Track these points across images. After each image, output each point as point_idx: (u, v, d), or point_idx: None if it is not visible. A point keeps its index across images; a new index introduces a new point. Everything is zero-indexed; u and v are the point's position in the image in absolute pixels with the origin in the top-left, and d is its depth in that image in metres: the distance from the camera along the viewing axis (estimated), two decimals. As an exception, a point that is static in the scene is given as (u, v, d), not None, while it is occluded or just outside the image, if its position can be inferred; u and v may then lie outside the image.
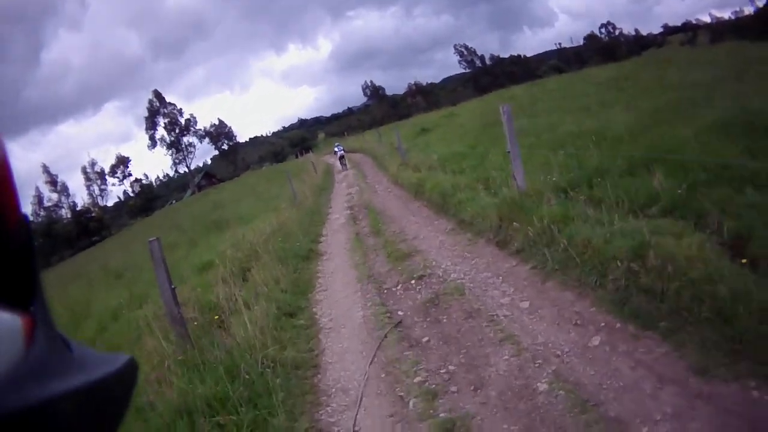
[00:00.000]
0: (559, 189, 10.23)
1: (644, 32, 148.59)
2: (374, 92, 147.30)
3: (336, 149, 41.65)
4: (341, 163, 38.52)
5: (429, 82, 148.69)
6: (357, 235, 14.62)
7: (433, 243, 11.33)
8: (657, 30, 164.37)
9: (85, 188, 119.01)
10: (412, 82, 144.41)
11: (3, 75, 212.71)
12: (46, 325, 0.55)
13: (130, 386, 0.64)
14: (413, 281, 9.19)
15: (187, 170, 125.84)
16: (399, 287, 9.19)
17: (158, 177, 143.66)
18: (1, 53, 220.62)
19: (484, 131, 24.65)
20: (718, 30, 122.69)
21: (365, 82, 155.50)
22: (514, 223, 9.30)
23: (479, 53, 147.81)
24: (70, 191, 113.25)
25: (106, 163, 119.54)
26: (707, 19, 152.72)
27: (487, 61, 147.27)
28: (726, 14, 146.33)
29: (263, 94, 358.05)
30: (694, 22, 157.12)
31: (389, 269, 10.38)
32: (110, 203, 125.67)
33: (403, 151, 25.65)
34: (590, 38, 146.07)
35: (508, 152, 10.41)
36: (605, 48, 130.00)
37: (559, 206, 8.91)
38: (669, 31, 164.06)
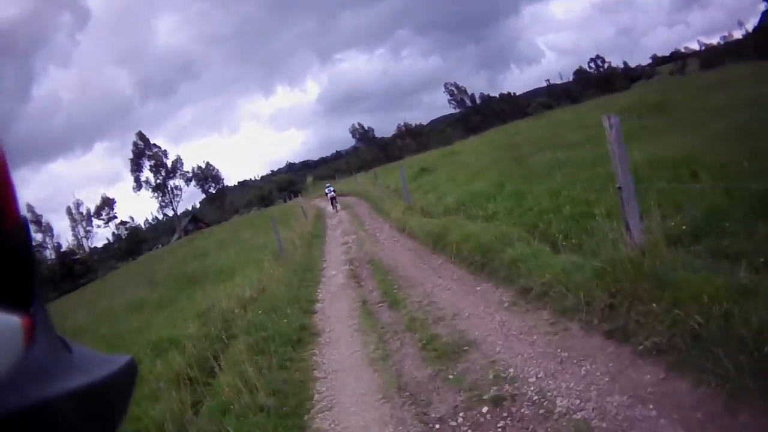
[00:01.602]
0: (674, 240, 7.25)
1: (632, 64, 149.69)
2: (363, 135, 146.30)
3: (326, 191, 40.71)
4: (332, 205, 37.41)
5: (418, 123, 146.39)
6: (364, 303, 11.19)
7: (489, 325, 7.81)
8: (645, 61, 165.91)
9: (70, 229, 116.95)
10: (402, 124, 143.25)
11: None
12: (46, 326, 0.56)
13: (129, 387, 0.65)
14: (485, 408, 5.52)
15: (173, 213, 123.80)
16: (461, 420, 5.50)
17: (147, 220, 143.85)
18: None
19: (503, 167, 21.16)
20: (708, 57, 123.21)
21: (353, 124, 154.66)
22: (639, 303, 5.84)
23: (469, 92, 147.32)
24: (55, 232, 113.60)
25: (94, 205, 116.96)
26: (696, 47, 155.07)
27: (477, 100, 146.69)
28: (714, 40, 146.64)
29: (251, 137, 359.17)
30: (683, 50, 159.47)
31: (431, 375, 6.73)
32: (99, 245, 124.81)
33: (407, 193, 22.04)
34: (579, 73, 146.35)
35: (619, 188, 6.62)
36: (602, 80, 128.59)
37: (710, 274, 5.52)
38: (658, 61, 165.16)
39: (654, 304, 5.54)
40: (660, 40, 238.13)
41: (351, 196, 43.09)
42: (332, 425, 6.32)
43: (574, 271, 7.39)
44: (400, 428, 5.69)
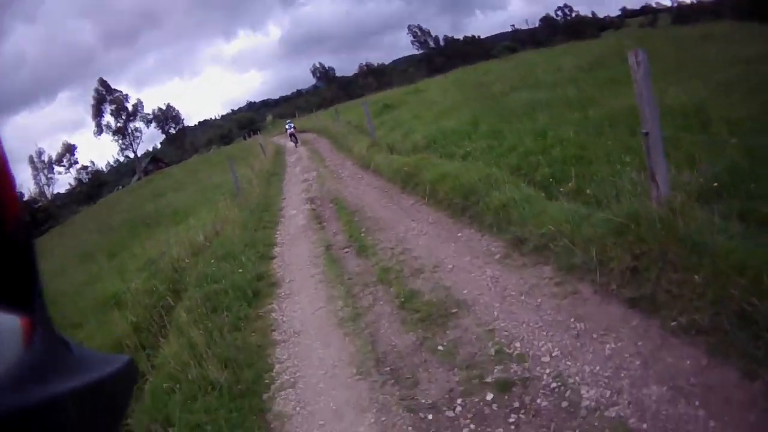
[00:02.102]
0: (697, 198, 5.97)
1: (601, 15, 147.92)
2: (323, 74, 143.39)
3: (287, 127, 40.56)
4: (292, 140, 37.10)
5: (380, 63, 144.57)
6: (328, 248, 10.05)
7: (480, 282, 6.68)
8: (614, 13, 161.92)
9: (32, 178, 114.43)
10: (363, 63, 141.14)
11: None
12: (46, 326, 0.56)
13: (129, 386, 0.65)
14: (489, 395, 4.40)
15: (134, 155, 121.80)
16: (459, 409, 4.38)
17: (109, 163, 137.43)
18: None
19: (476, 105, 19.94)
20: (681, 13, 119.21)
21: (314, 64, 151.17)
22: (671, 270, 4.81)
23: (433, 34, 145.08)
24: (18, 182, 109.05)
25: (56, 152, 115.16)
26: (668, 2, 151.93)
27: (441, 42, 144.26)
28: None
29: (212, 80, 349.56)
30: (654, 5, 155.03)
31: (414, 344, 5.61)
32: (62, 191, 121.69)
33: (372, 128, 20.66)
34: (546, 20, 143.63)
35: (645, 133, 5.45)
36: (570, 27, 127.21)
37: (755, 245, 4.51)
38: (627, 14, 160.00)
39: (695, 275, 4.44)
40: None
41: (311, 133, 41.38)
42: (296, 408, 5.18)
43: (580, 222, 6.33)
44: (383, 418, 4.56)
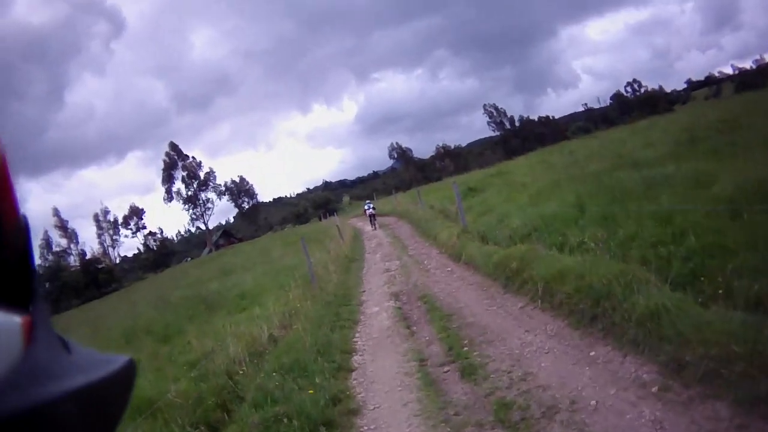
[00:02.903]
0: None
1: (668, 89, 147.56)
2: (401, 154, 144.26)
3: (366, 207, 38.88)
4: (371, 223, 36.07)
5: (456, 144, 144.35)
6: (422, 363, 8.11)
7: (640, 430, 4.95)
8: (680, 86, 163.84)
9: (96, 237, 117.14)
10: (440, 145, 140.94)
11: (25, 114, 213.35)
12: (45, 326, 0.56)
13: (128, 387, 0.64)
14: None
15: (204, 227, 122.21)
16: None
17: (179, 232, 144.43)
18: (24, 92, 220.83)
19: (574, 186, 17.83)
20: (742, 81, 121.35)
21: (392, 143, 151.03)
22: None
23: (508, 114, 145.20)
24: (82, 239, 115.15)
25: (122, 214, 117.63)
26: (729, 71, 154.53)
27: (516, 123, 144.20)
28: (747, 64, 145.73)
29: (288, 155, 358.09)
30: (716, 74, 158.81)
31: None
32: (129, 254, 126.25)
33: (462, 213, 18.38)
34: (617, 97, 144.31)
35: None
36: (644, 103, 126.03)
37: None
38: (693, 86, 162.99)
39: None
40: (693, 64, 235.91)
41: (390, 216, 39.83)
42: None
43: (756, 338, 4.85)
44: None
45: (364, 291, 15.04)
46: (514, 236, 13.74)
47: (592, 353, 6.63)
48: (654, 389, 5.32)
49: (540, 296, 8.94)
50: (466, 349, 8.01)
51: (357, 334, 10.66)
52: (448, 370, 7.46)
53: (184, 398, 8.14)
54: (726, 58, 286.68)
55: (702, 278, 7.12)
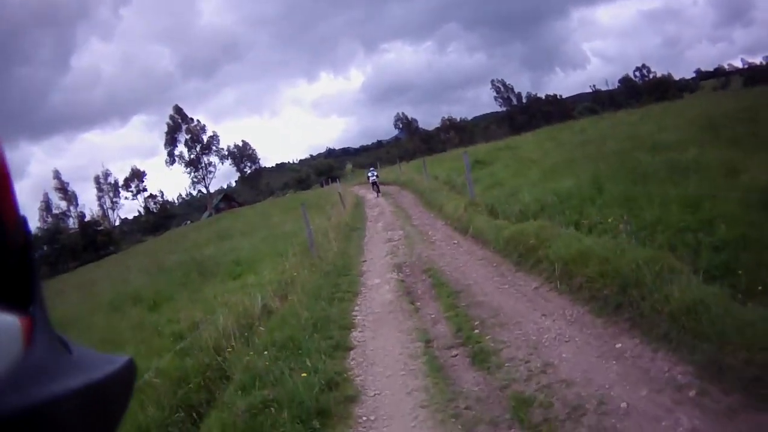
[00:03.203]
0: None
1: (676, 77, 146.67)
2: (406, 125, 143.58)
3: (369, 174, 38.85)
4: (373, 189, 35.88)
5: (462, 117, 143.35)
6: (428, 344, 7.42)
7: None
8: (689, 75, 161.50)
9: (96, 200, 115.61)
10: (446, 117, 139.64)
11: (31, 77, 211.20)
12: (45, 326, 0.56)
13: (128, 387, 0.65)
14: None
15: (205, 190, 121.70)
16: None
17: (180, 195, 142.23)
18: (30, 55, 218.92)
19: (591, 165, 17.03)
20: (751, 75, 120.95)
21: (397, 113, 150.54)
22: None
23: (516, 91, 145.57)
24: (82, 201, 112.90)
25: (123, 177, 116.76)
26: (739, 64, 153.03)
27: (523, 99, 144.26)
28: (757, 59, 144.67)
29: (292, 121, 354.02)
30: (726, 67, 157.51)
31: None
32: (130, 216, 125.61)
33: (471, 185, 17.72)
34: (625, 81, 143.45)
35: None
36: (653, 88, 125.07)
37: None
38: (701, 76, 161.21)
39: None
40: (703, 55, 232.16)
41: (393, 185, 38.88)
42: None
43: None
44: None
45: (365, 261, 14.36)
46: (526, 211, 13.13)
47: (618, 345, 5.98)
48: (691, 393, 4.69)
49: (557, 277, 8.28)
50: (476, 331, 7.32)
51: (357, 308, 9.95)
52: (457, 354, 6.79)
53: (165, 378, 7.46)
54: (736, 52, 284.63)
55: (739, 272, 6.56)
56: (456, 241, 13.85)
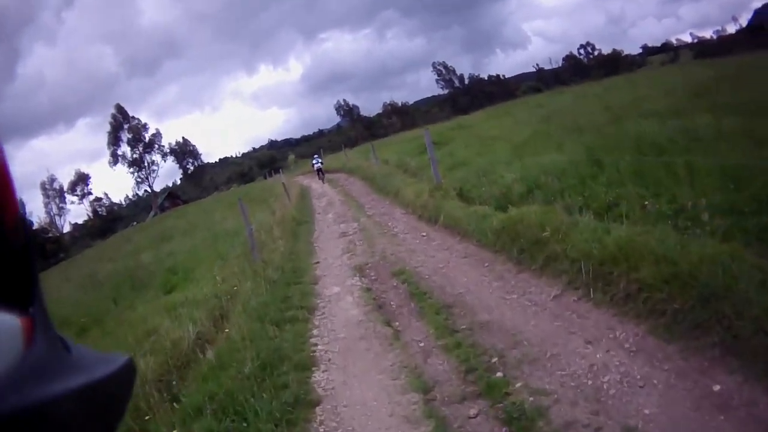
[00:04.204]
0: None
1: (623, 53, 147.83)
2: (347, 111, 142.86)
3: (314, 162, 38.29)
4: (319, 176, 35.53)
5: (404, 102, 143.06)
6: (428, 399, 5.11)
7: None
8: (635, 51, 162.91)
9: (43, 206, 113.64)
10: (387, 102, 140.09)
11: None
12: (45, 326, 0.56)
13: (128, 386, 0.64)
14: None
15: (149, 190, 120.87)
16: None
17: (127, 196, 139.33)
18: None
19: (571, 137, 15.59)
20: (702, 50, 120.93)
21: (338, 101, 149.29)
22: None
23: (458, 73, 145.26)
24: (29, 209, 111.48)
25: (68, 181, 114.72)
26: (688, 39, 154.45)
27: (466, 81, 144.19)
28: (707, 34, 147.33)
29: (233, 116, 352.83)
30: (674, 42, 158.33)
31: None
32: (80, 221, 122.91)
33: (436, 166, 14.88)
34: (570, 59, 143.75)
35: None
36: (607, 62, 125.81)
37: None
38: (648, 51, 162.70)
39: None
40: (648, 32, 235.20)
41: (340, 173, 36.50)
42: None
43: None
44: None
45: (317, 262, 11.99)
46: (508, 194, 10.96)
47: (717, 388, 4.02)
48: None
49: (587, 282, 6.13)
50: (499, 374, 5.05)
51: (315, 331, 7.61)
52: (477, 415, 4.54)
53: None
54: (684, 28, 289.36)
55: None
56: (425, 234, 11.70)
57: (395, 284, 8.69)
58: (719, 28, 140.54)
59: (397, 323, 7.07)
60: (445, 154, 22.29)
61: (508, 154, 16.63)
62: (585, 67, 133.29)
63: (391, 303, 7.90)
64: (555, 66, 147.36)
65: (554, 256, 7.03)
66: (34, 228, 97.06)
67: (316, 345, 7.10)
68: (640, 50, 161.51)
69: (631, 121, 15.12)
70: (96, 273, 28.00)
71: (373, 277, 9.45)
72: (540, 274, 7.11)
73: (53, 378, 0.49)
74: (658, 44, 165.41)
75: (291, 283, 10.46)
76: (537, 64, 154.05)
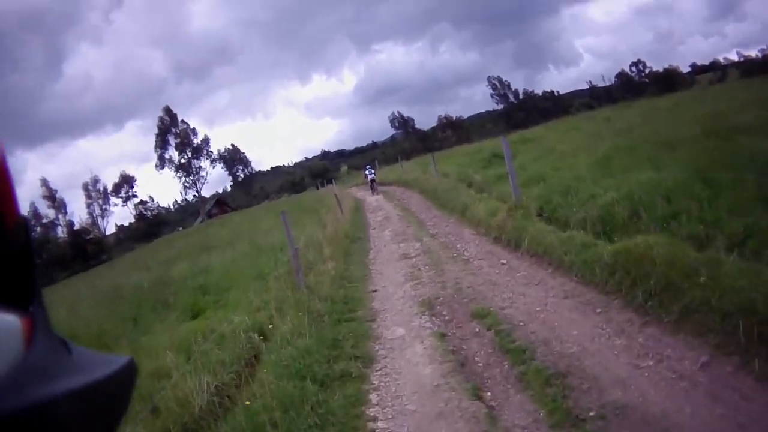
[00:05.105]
0: None
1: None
2: (402, 123, 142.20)
3: (366, 172, 36.90)
4: (371, 188, 34.04)
5: (458, 116, 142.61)
6: None
7: None
8: (684, 69, 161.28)
9: (85, 207, 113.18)
10: (443, 115, 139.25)
11: (21, 85, 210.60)
12: (45, 327, 0.57)
13: (128, 387, 0.65)
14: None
15: (197, 195, 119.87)
16: None
17: (176, 201, 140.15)
18: (20, 63, 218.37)
19: (660, 152, 13.61)
20: (748, 68, 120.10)
21: (393, 113, 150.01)
22: None
23: (513, 87, 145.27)
24: (72, 209, 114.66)
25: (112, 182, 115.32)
26: (734, 58, 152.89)
27: (521, 96, 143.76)
28: (753, 52, 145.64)
29: (286, 124, 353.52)
30: (721, 60, 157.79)
31: None
32: (126, 224, 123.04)
33: (515, 180, 12.76)
34: (621, 76, 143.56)
35: None
36: (663, 79, 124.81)
37: None
38: (696, 70, 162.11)
39: None
40: (695, 50, 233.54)
41: (396, 185, 34.49)
42: None
43: None
44: None
45: (375, 291, 10.12)
46: (609, 217, 9.06)
47: None
48: None
49: (746, 346, 4.41)
50: None
51: (374, 397, 5.75)
52: None
53: None
54: (728, 47, 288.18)
55: None
56: (504, 261, 9.71)
57: (477, 330, 6.85)
58: (765, 47, 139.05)
59: (489, 394, 5.20)
60: (516, 167, 20.44)
61: (589, 169, 14.61)
62: (637, 85, 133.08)
63: (477, 360, 6.03)
64: (608, 83, 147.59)
65: (695, 306, 5.16)
66: (75, 228, 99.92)
67: (375, 420, 5.27)
68: (689, 68, 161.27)
69: (725, 136, 13.23)
70: (123, 284, 26.38)
71: (446, 317, 7.63)
72: (675, 330, 5.26)
73: (53, 378, 0.49)
74: (707, 62, 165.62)
75: (342, 319, 8.65)
76: (590, 81, 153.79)
